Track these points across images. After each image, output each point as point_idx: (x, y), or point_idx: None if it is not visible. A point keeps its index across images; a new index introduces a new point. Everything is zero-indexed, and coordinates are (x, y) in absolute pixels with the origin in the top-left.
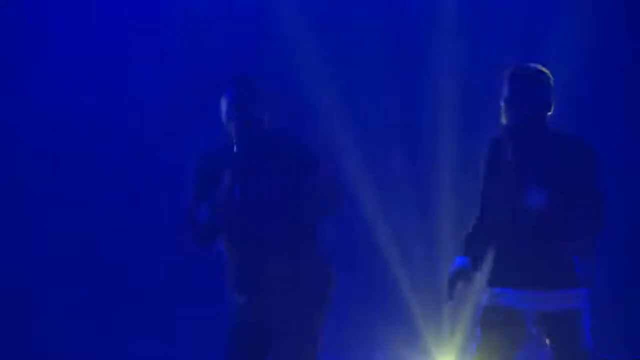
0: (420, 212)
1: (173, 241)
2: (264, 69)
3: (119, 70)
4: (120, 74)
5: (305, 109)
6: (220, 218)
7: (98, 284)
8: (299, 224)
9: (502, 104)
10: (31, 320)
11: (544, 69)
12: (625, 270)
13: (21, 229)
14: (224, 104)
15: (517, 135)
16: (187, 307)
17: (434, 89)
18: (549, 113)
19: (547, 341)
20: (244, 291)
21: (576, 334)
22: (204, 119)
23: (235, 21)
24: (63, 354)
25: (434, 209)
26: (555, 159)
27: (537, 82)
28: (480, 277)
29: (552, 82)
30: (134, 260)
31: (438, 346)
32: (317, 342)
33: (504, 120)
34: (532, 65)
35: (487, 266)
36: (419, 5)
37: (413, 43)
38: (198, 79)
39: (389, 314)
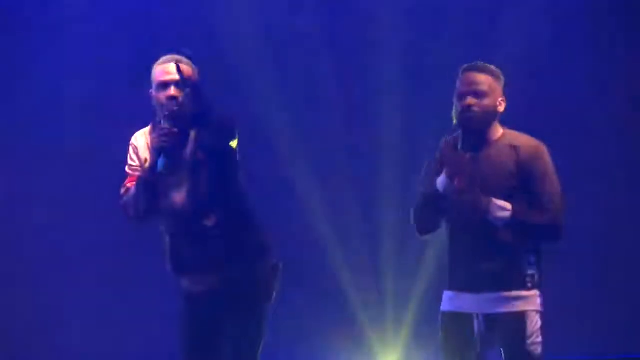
0: (364, 213)
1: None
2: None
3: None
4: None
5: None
6: (148, 192)
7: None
8: (230, 196)
9: (454, 102)
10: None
11: (496, 69)
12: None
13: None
14: (157, 77)
15: (465, 135)
16: None
17: (377, 89)
18: (500, 111)
19: (497, 343)
20: (183, 271)
21: (523, 336)
22: None
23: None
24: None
25: (377, 210)
26: (502, 162)
27: (485, 81)
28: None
29: (503, 81)
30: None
31: (382, 346)
32: (264, 323)
33: (454, 119)
34: (486, 64)
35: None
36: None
37: (360, 39)
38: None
39: (333, 314)
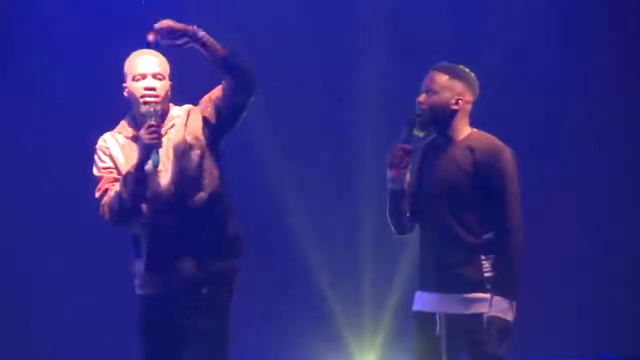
0: (341, 211)
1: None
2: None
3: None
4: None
5: None
6: (140, 187)
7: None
8: (212, 193)
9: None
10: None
11: (459, 68)
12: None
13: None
14: (133, 68)
15: (412, 132)
16: None
17: (358, 88)
18: (455, 110)
19: (460, 344)
20: (160, 265)
21: (482, 337)
22: None
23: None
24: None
25: (355, 209)
26: (457, 163)
27: (437, 80)
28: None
29: (467, 81)
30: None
31: (359, 346)
32: (228, 328)
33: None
34: (448, 64)
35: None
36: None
37: (341, 42)
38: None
39: (309, 315)
